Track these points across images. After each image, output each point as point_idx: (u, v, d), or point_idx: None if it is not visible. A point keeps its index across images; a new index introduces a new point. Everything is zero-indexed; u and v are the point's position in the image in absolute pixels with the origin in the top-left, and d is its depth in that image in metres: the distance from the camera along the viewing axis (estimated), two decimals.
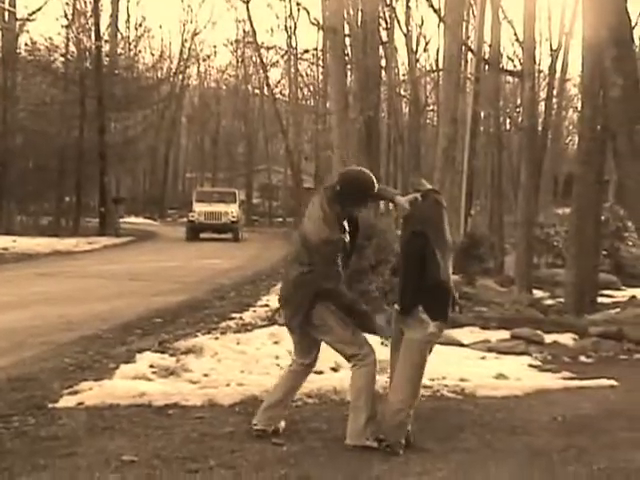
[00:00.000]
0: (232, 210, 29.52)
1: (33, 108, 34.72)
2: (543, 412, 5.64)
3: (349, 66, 21.70)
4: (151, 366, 6.37)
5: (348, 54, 21.70)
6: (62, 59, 35.21)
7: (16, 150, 33.28)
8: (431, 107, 41.11)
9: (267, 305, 10.62)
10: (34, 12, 34.63)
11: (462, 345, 8.03)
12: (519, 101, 28.67)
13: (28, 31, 35.47)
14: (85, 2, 34.45)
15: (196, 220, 29.10)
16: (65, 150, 33.32)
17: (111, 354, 7.18)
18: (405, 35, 32.64)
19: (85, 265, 18.06)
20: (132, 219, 43.49)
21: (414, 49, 34.88)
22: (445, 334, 8.14)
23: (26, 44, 35.25)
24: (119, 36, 39.36)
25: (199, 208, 29.39)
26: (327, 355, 5.96)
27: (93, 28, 33.61)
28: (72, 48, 34.73)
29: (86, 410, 5.27)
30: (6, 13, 34.28)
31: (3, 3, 33.55)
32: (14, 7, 34.25)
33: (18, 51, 34.39)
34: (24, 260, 19.28)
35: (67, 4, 34.76)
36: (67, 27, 34.64)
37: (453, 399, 5.94)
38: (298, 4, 32.46)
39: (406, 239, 4.67)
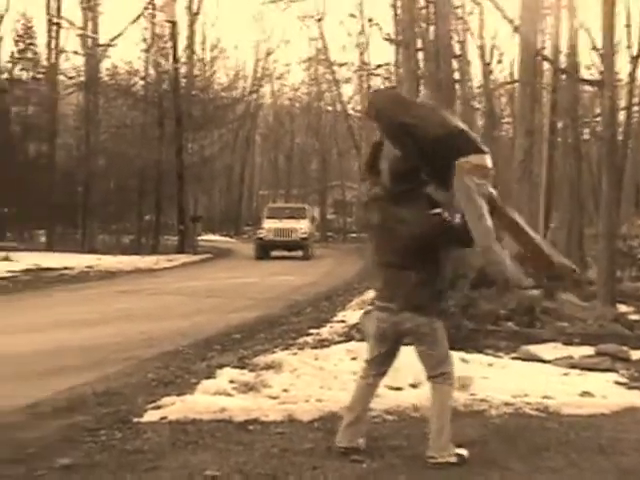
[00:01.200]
0: (302, 226, 28.56)
1: (114, 130, 35.73)
2: (632, 431, 5.45)
3: (422, 80, 21.61)
4: (231, 381, 6.43)
5: (421, 68, 21.62)
6: (141, 82, 36.18)
7: (99, 172, 34.31)
8: (506, 119, 40.57)
9: (343, 321, 10.62)
10: (115, 38, 35.68)
11: (544, 361, 7.85)
12: (598, 110, 28.05)
13: (109, 56, 36.56)
14: (163, 26, 35.33)
15: (265, 237, 28.34)
16: (145, 170, 34.16)
17: (192, 369, 7.29)
18: (479, 47, 32.41)
19: (165, 282, 18.42)
20: (209, 237, 44.19)
21: (488, 61, 34.53)
22: (526, 350, 8.02)
23: (107, 69, 36.39)
24: (195, 58, 40.15)
25: (268, 225, 28.63)
26: (405, 372, 5.95)
27: (171, 51, 34.40)
28: (151, 71, 35.68)
29: (169, 425, 5.36)
30: (89, 40, 35.42)
31: (86, 30, 34.69)
32: (96, 33, 35.39)
33: (100, 76, 35.47)
34: (107, 278, 19.80)
35: (146, 29, 35.78)
36: (146, 51, 35.61)
37: (536, 417, 5.81)
38: (370, 20, 32.64)
39: None
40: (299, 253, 28.29)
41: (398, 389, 6.03)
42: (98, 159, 34.93)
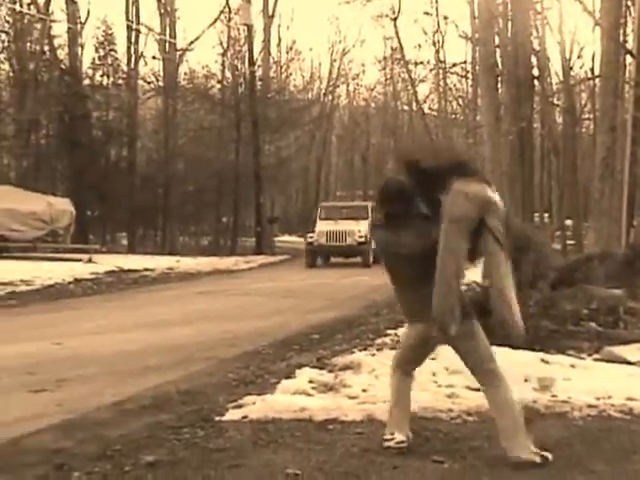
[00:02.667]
0: (361, 229, 24.16)
1: (192, 134, 36.41)
2: None
3: (500, 77, 21.33)
4: (310, 381, 6.48)
5: (498, 65, 21.34)
6: (219, 85, 36.78)
7: (178, 174, 35.02)
8: (587, 115, 39.67)
9: None
10: (192, 42, 36.43)
11: (628, 363, 7.65)
12: None
13: (187, 60, 37.29)
14: (239, 30, 35.83)
15: (315, 242, 24.65)
16: (222, 173, 34.71)
17: (272, 369, 7.38)
18: (558, 42, 31.78)
19: (243, 283, 18.67)
20: (286, 237, 44.58)
21: (568, 56, 33.84)
22: (610, 351, 7.83)
23: (185, 73, 37.13)
24: (271, 60, 40.58)
25: (320, 227, 25.01)
26: None
27: (247, 54, 34.85)
28: (228, 74, 36.24)
29: (250, 423, 5.44)
30: (167, 44, 36.19)
31: (164, 35, 35.45)
32: (174, 38, 36.14)
33: (178, 80, 36.20)
34: (187, 279, 20.19)
35: (222, 33, 36.38)
36: (222, 55, 36.20)
37: (620, 419, 5.67)
38: (446, 18, 32.38)
39: None
40: (358, 260, 24.49)
41: (478, 390, 5.96)
42: (177, 162, 35.67)
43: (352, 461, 4.62)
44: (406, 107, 50.14)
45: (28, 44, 33.26)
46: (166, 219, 35.58)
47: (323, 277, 20.27)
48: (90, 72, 35.96)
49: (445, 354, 6.74)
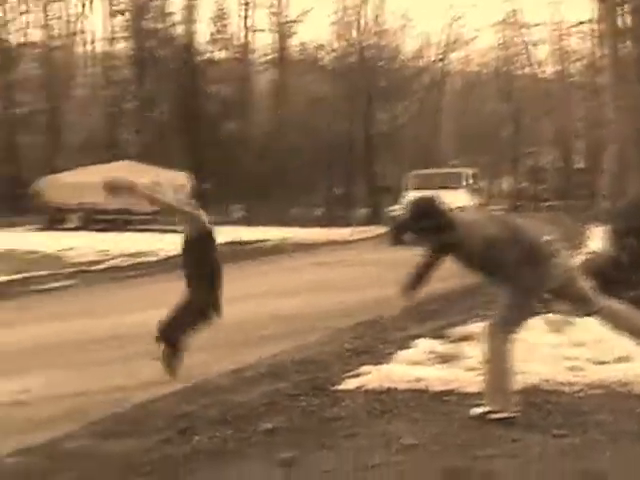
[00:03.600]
0: (454, 199, 20.84)
1: (305, 104, 36.60)
2: None
3: (624, 35, 20.34)
4: (427, 352, 6.42)
5: (623, 23, 20.34)
6: (330, 56, 36.74)
7: (291, 146, 35.34)
8: None
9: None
10: (304, 13, 36.46)
11: None
12: None
13: (299, 32, 37.43)
14: None
15: (399, 216, 20.15)
16: (335, 143, 34.77)
17: (387, 339, 7.35)
18: None
19: (359, 254, 18.69)
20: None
21: None
22: None
23: (297, 44, 37.26)
24: (382, 28, 40.16)
25: (408, 199, 21.15)
26: (610, 345, 5.69)
27: (358, 23, 34.63)
28: (339, 44, 36.11)
29: (365, 393, 5.44)
30: (279, 17, 36.41)
31: (276, 8, 35.67)
32: (286, 10, 36.33)
33: (290, 52, 36.42)
34: (301, 250, 20.39)
35: (334, 2, 36.26)
36: (334, 25, 36.09)
37: None
38: None
39: None
40: None
41: (602, 363, 5.77)
42: (290, 134, 35.97)
43: (469, 433, 4.56)
44: (521, 71, 48.65)
45: (146, 22, 34.17)
46: (280, 190, 36.03)
47: None
48: (205, 47, 36.67)
49: (568, 327, 6.57)
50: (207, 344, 7.37)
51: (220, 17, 35.92)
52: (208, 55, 36.37)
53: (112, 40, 34.87)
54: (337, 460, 4.16)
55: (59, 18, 31.99)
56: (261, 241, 21.84)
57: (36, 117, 33.24)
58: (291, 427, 4.76)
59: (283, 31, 36.42)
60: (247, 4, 35.88)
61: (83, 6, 35.19)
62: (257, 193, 36.68)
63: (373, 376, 5.78)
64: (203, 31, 37.87)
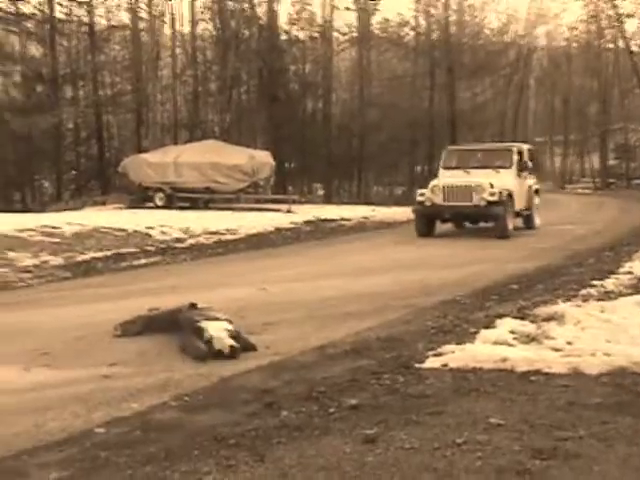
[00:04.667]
0: (495, 182, 16.58)
1: (386, 83, 36.40)
2: None
3: None
4: (511, 332, 6.35)
5: None
6: (412, 33, 36.40)
7: (372, 124, 35.24)
8: None
9: (630, 272, 10.01)
10: None
11: None
12: None
13: (380, 9, 37.16)
14: None
15: (426, 202, 16.86)
16: (416, 121, 34.51)
17: (470, 319, 7.30)
18: None
19: (441, 232, 18.48)
20: None
21: None
22: None
23: (379, 22, 37.01)
24: (466, 4, 39.48)
25: (440, 180, 17.41)
26: None
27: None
28: (422, 21, 35.73)
29: (450, 372, 5.43)
30: None
31: None
32: None
33: (372, 29, 36.21)
34: (382, 228, 20.37)
35: None
36: (416, 1, 35.68)
37: None
38: None
39: None
40: (491, 225, 16.96)
41: None
42: (371, 112, 35.85)
43: (558, 414, 4.49)
44: (611, 45, 47.10)
45: (230, 3, 34.49)
46: (361, 169, 35.98)
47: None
48: (287, 27, 36.81)
49: None
50: (291, 320, 7.48)
51: None
52: (290, 34, 36.50)
53: (196, 21, 35.33)
54: (422, 437, 4.15)
55: (147, 2, 32.59)
56: (343, 219, 21.89)
57: (122, 98, 34.06)
58: (375, 404, 4.77)
59: (365, 8, 36.19)
60: None
61: None
62: (338, 172, 36.76)
63: (458, 355, 5.76)
64: (285, 10, 38.05)
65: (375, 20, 37.77)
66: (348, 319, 7.54)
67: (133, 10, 32.96)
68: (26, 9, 31.06)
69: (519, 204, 17.40)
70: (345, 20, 38.18)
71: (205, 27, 35.99)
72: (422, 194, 17.13)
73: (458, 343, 6.12)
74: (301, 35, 36.79)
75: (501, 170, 17.27)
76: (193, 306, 6.88)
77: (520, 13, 49.01)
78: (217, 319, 6.46)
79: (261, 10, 36.19)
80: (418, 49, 35.42)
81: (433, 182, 17.40)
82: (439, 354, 5.87)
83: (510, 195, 16.66)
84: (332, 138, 35.12)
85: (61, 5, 31.42)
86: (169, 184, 25.48)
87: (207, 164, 25.30)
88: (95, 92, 32.70)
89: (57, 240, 14.44)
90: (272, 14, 36.16)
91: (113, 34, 34.09)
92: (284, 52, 35.37)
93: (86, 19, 32.38)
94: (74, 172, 33.81)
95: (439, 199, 16.76)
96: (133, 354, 6.29)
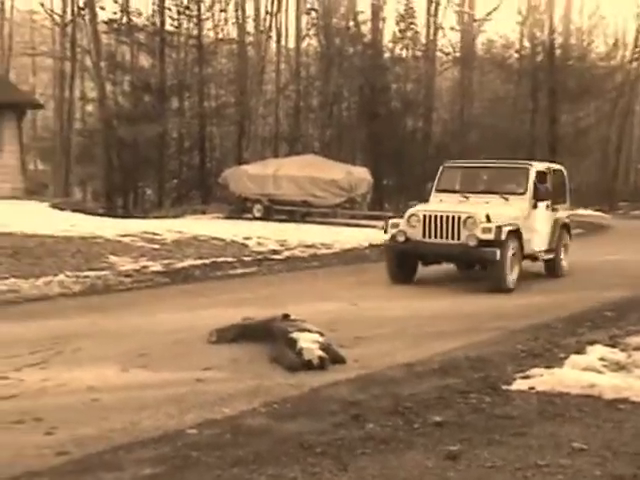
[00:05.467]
0: (496, 212, 11.78)
1: (487, 104, 36.12)
2: None
3: None
4: (601, 359, 6.32)
5: None
6: (516, 55, 36.04)
7: (472, 145, 35.01)
8: None
9: None
10: (491, 12, 35.94)
11: None
12: None
13: (485, 30, 37.00)
14: None
15: (399, 236, 12.16)
16: (517, 143, 34.07)
17: (561, 344, 7.27)
18: None
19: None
20: (581, 211, 42.67)
21: None
22: None
23: (483, 43, 36.84)
24: (572, 27, 38.86)
25: (425, 207, 12.68)
26: None
27: (546, 22, 33.74)
28: (526, 43, 35.35)
29: (537, 395, 5.47)
30: (465, 15, 36.12)
31: (463, 6, 35.41)
32: (473, 9, 35.98)
33: (475, 50, 36.05)
34: None
35: (521, 1, 35.50)
36: (521, 23, 35.34)
37: None
38: None
39: None
40: (485, 271, 11.92)
41: None
42: (471, 132, 35.64)
43: None
44: None
45: (335, 20, 34.99)
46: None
47: (620, 252, 19.13)
48: (391, 45, 37.05)
49: None
50: (381, 336, 7.62)
51: (407, 15, 36.12)
52: (393, 53, 36.71)
53: (301, 37, 35.97)
54: (504, 457, 4.23)
55: (254, 17, 33.42)
56: None
57: (226, 110, 34.93)
58: (460, 422, 4.87)
59: (469, 29, 36.10)
60: (435, 2, 35.85)
61: (276, 3, 36.49)
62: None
63: (546, 378, 5.79)
64: (390, 29, 38.36)
65: (479, 41, 37.68)
66: (438, 338, 7.62)
67: (240, 25, 33.82)
68: (138, 21, 32.42)
69: (537, 244, 12.74)
70: (449, 40, 38.23)
71: (310, 43, 36.65)
72: (395, 225, 12.40)
73: (547, 367, 6.16)
74: (404, 54, 36.98)
75: (511, 197, 12.52)
76: (286, 317, 7.11)
77: (628, 38, 47.82)
78: (309, 331, 6.65)
79: (366, 28, 36.58)
80: (521, 71, 35.05)
81: (411, 210, 12.47)
82: (527, 377, 5.92)
83: (516, 232, 11.69)
84: (431, 157, 35.04)
85: (171, 18, 32.59)
86: (267, 196, 25.94)
87: (305, 178, 25.65)
88: (200, 104, 33.63)
89: (157, 246, 14.92)
90: (376, 32, 36.49)
91: (220, 47, 35.01)
92: (387, 70, 35.57)
93: (195, 32, 33.40)
94: (176, 181, 34.83)
95: (417, 233, 11.97)
96: (226, 360, 6.51)
